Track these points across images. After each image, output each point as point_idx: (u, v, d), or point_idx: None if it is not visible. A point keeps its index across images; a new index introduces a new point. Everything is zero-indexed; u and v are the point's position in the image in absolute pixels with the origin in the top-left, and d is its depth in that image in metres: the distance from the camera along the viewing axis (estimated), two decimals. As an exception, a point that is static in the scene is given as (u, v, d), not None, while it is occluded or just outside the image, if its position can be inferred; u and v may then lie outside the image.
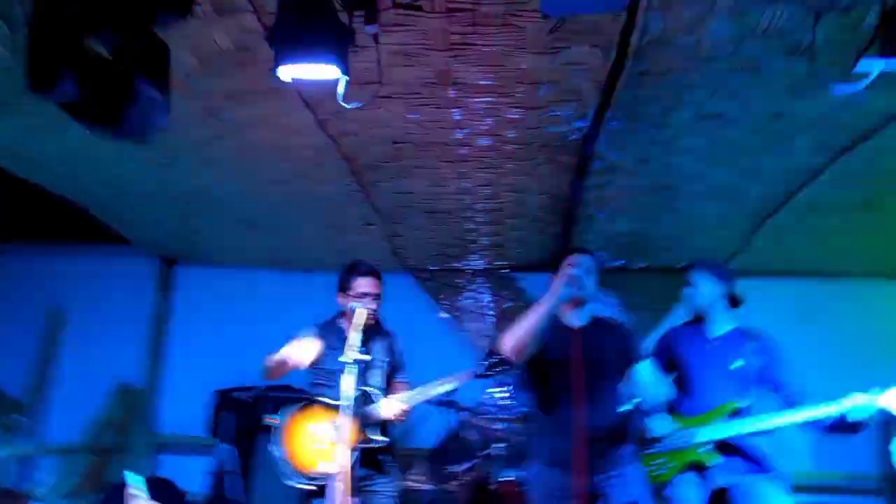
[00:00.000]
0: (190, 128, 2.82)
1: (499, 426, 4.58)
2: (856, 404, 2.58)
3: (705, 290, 2.94)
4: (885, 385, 2.59)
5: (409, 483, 4.44)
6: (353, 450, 2.49)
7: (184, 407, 4.68)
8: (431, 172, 3.38)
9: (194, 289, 5.12)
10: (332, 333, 2.83)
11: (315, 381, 2.83)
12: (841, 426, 2.65)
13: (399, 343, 2.98)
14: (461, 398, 4.13)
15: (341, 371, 2.51)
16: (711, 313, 2.98)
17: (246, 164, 3.27)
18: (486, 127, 2.96)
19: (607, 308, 3.22)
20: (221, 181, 3.48)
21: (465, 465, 3.89)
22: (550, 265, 2.79)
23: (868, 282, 4.55)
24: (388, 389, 2.87)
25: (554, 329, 2.54)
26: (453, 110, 2.79)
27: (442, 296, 5.02)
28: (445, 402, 4.03)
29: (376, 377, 2.81)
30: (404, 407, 2.74)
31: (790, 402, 2.80)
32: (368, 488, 2.73)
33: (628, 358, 2.63)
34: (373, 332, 2.83)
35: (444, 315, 4.98)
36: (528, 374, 2.68)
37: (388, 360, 2.89)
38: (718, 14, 2.09)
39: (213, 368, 4.54)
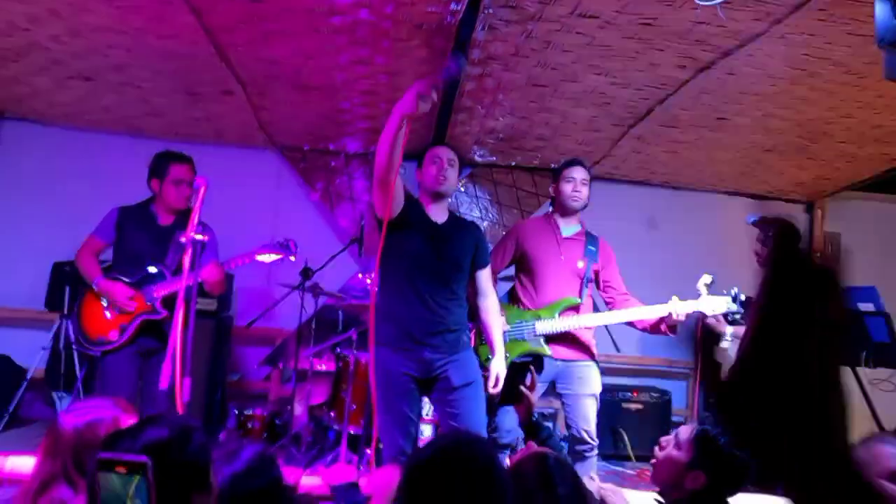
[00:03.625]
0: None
1: (361, 310, 4.68)
2: (676, 308, 2.87)
3: (584, 189, 3.04)
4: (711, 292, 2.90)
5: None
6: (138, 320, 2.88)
7: (17, 278, 4.30)
8: (298, 41, 3.09)
9: (24, 147, 4.51)
10: (139, 217, 2.99)
11: (118, 261, 3.01)
12: (660, 327, 2.96)
13: (211, 232, 3.02)
14: (326, 283, 4.14)
15: (146, 253, 2.89)
16: (568, 214, 3.11)
17: (67, 3, 2.77)
18: (360, -3, 2.72)
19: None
20: (40, 22, 2.96)
21: (325, 346, 3.96)
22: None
23: (710, 195, 4.97)
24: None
25: (416, 220, 2.53)
26: (321, -29, 2.51)
27: (314, 177, 4.84)
28: (310, 286, 4.02)
29: (177, 258, 2.93)
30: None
31: (618, 303, 3.07)
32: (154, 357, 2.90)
33: (478, 256, 2.69)
34: (184, 216, 2.93)
35: (314, 198, 4.82)
36: (382, 259, 2.67)
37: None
38: None
39: (49, 238, 4.16)
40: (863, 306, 3.34)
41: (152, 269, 2.91)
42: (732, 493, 1.64)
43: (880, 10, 1.67)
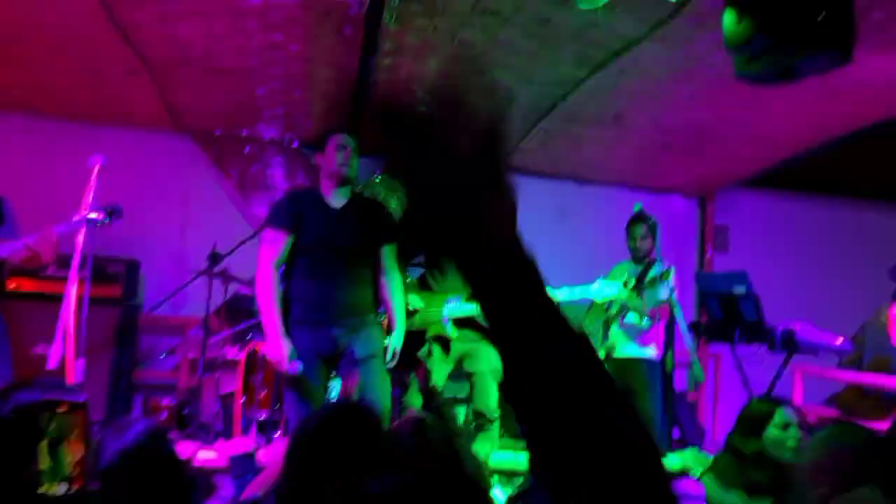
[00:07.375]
0: None
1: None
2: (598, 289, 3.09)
3: None
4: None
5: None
6: None
7: None
8: (206, 22, 3.07)
9: None
10: None
11: None
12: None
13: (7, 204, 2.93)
14: (239, 270, 4.10)
15: None
16: None
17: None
18: (269, -19, 2.74)
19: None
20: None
21: (235, 330, 3.95)
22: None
23: (613, 189, 5.29)
24: None
25: (314, 208, 2.60)
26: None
27: (227, 164, 4.76)
28: (218, 272, 3.99)
29: None
30: None
31: None
32: None
33: (382, 236, 2.76)
34: None
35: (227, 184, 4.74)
36: (290, 248, 2.70)
37: None
38: None
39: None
40: (736, 289, 3.69)
41: None
42: None
43: (727, 17, 1.90)
